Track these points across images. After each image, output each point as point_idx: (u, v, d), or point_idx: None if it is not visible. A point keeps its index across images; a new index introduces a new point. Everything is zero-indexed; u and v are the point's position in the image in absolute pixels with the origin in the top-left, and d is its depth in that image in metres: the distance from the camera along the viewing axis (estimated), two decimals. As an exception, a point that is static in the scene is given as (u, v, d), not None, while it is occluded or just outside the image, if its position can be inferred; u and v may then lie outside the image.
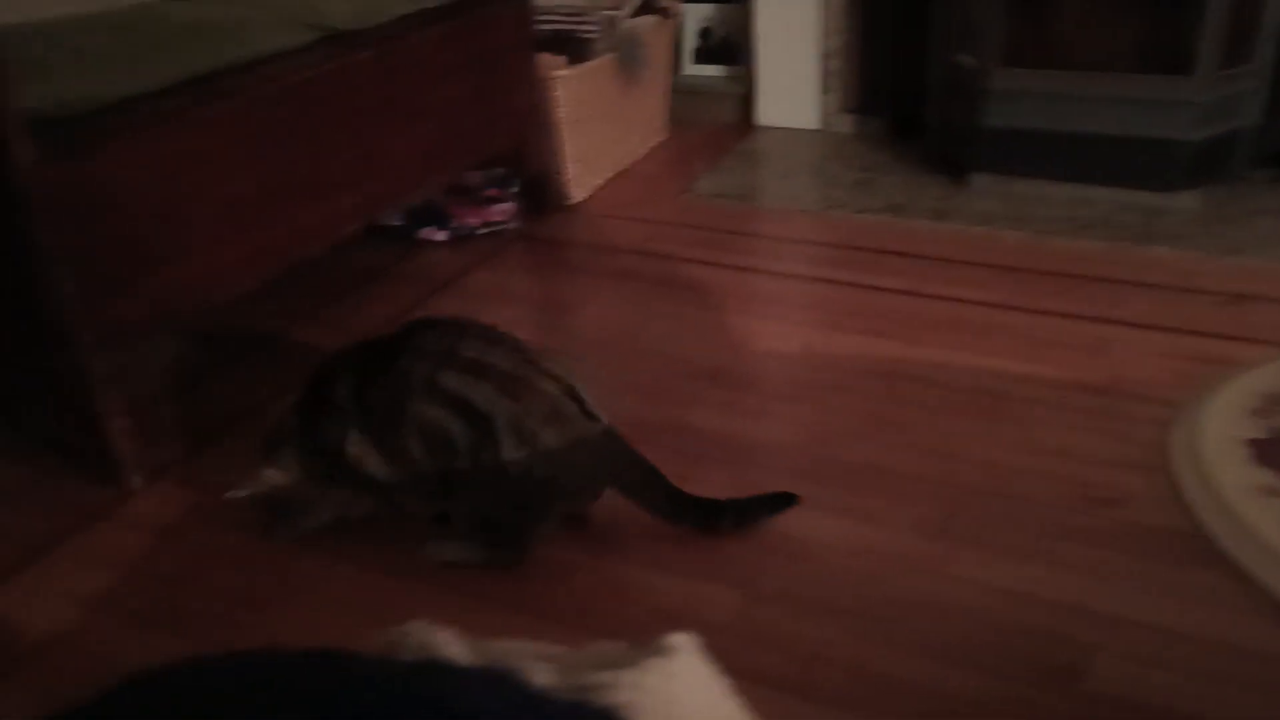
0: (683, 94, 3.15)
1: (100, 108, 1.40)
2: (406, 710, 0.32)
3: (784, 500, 1.41)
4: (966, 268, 2.14)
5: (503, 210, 2.44)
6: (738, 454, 1.57)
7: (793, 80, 3.03)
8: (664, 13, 2.87)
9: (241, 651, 0.35)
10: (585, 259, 2.30)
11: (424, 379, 1.27)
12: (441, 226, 2.40)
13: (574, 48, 2.48)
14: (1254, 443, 1.46)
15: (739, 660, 0.84)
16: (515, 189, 2.48)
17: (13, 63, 1.28)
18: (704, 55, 3.29)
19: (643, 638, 0.46)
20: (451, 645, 0.44)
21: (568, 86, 2.44)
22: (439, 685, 0.33)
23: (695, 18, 3.26)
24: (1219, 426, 1.47)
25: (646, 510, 1.35)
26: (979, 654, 1.19)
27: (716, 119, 3.19)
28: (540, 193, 2.51)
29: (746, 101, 3.14)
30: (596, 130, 2.61)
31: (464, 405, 1.26)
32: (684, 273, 2.19)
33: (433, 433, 1.27)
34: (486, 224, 2.42)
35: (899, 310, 1.98)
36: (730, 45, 3.24)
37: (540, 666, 0.42)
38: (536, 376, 1.30)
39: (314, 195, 1.79)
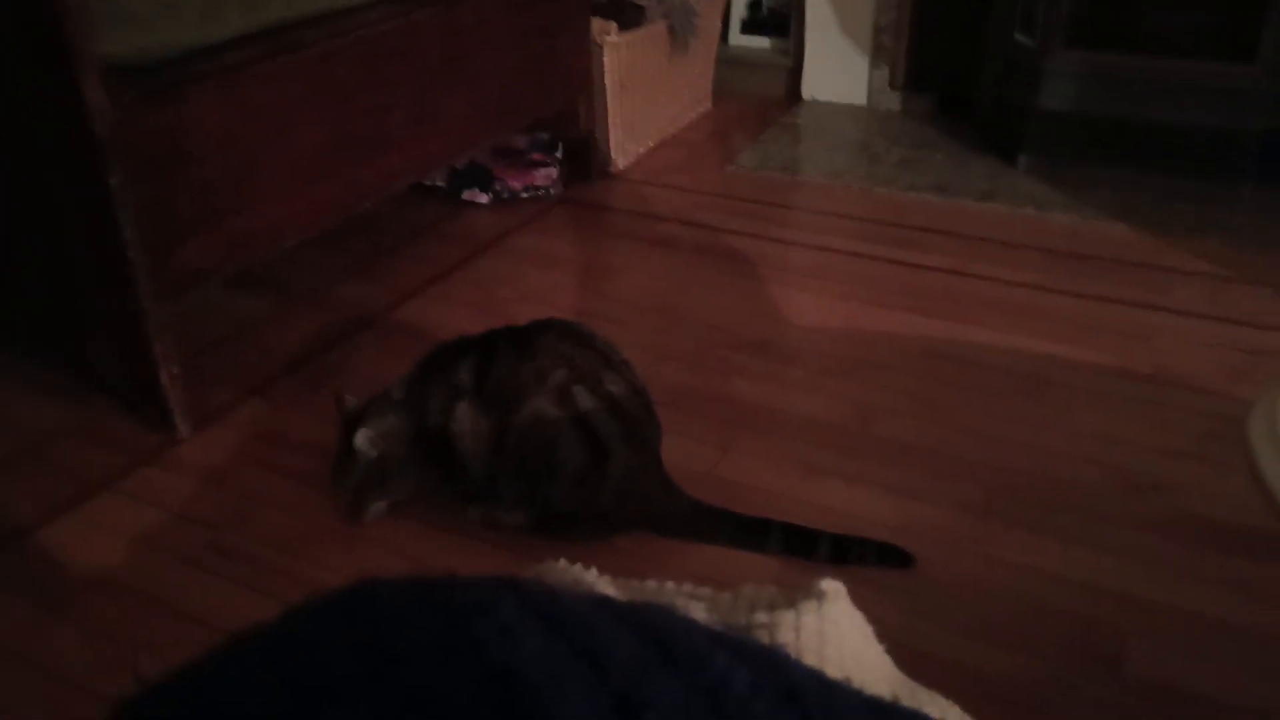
0: (729, 64, 3.13)
1: (175, 56, 1.41)
2: (634, 641, 0.32)
3: (896, 555, 1.30)
4: (1013, 249, 2.12)
5: (546, 174, 2.44)
6: (779, 426, 1.57)
7: (841, 55, 3.00)
8: (715, -19, 2.85)
9: (422, 578, 0.35)
10: (627, 226, 2.30)
11: (557, 384, 1.26)
12: (485, 189, 2.40)
13: (627, 14, 2.47)
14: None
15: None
16: (559, 153, 2.48)
17: (92, 8, 1.28)
18: (752, 26, 3.27)
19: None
20: (602, 582, 0.45)
21: (618, 53, 2.43)
22: (655, 620, 0.34)
23: (745, -13, 3.23)
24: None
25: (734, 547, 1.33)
26: (1021, 636, 1.19)
27: (762, 91, 3.17)
28: (584, 158, 2.51)
29: (793, 74, 3.12)
30: (642, 98, 2.60)
31: (588, 429, 1.26)
32: (726, 243, 2.18)
33: (543, 432, 1.26)
34: (529, 188, 2.42)
35: (943, 289, 1.97)
36: (779, 17, 3.22)
37: (694, 605, 0.42)
38: (652, 429, 1.33)
39: (373, 149, 1.80)
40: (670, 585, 0.49)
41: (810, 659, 0.40)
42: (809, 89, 3.09)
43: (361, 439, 1.32)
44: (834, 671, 0.41)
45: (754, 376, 1.69)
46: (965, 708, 0.48)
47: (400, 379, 1.37)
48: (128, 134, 1.35)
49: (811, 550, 1.30)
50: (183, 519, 1.39)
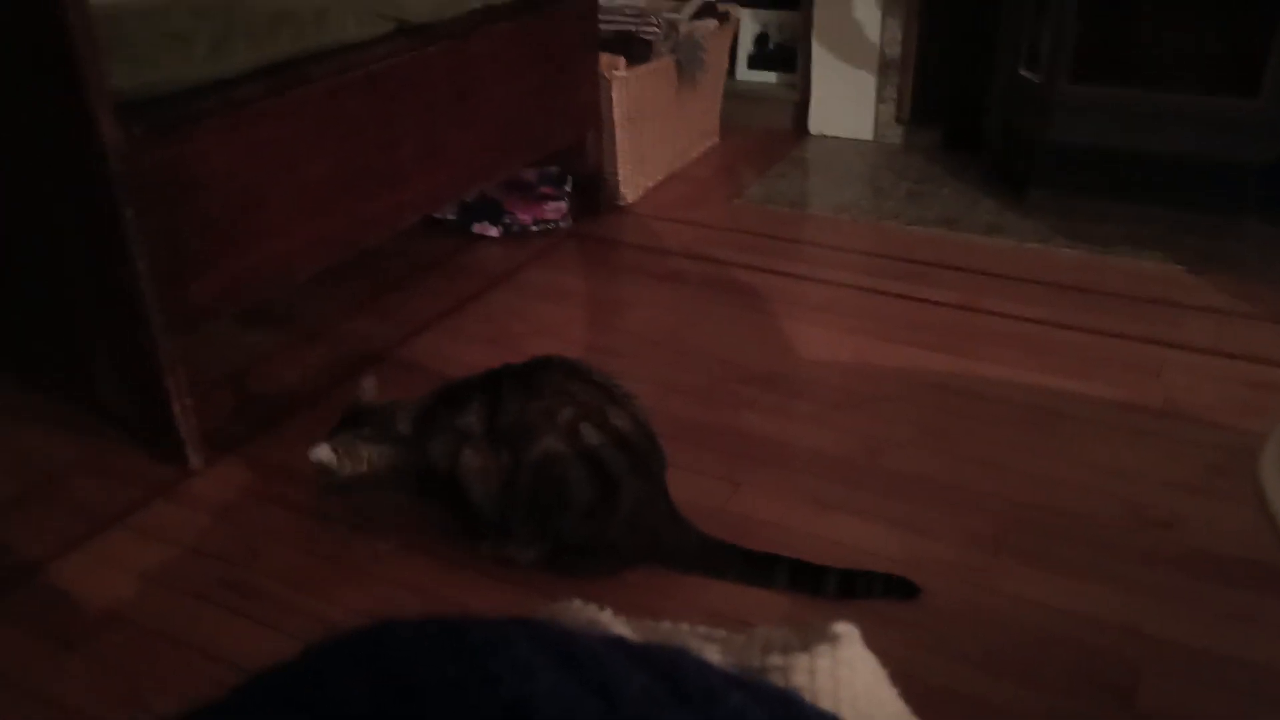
0: (736, 99, 3.16)
1: (185, 91, 1.43)
2: (643, 680, 0.32)
3: (902, 586, 1.30)
4: (1021, 284, 2.13)
5: (556, 208, 2.45)
6: (788, 460, 1.57)
7: (848, 89, 3.02)
8: (723, 17, 2.88)
9: (438, 618, 0.36)
10: (636, 260, 2.31)
11: (566, 422, 1.27)
12: (495, 222, 2.42)
13: (634, 49, 2.49)
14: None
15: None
16: (569, 187, 2.50)
17: (103, 44, 1.30)
18: (759, 61, 3.30)
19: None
20: (617, 623, 0.46)
21: (626, 87, 2.45)
22: (669, 659, 0.34)
23: (752, 23, 3.26)
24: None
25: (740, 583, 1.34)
26: (1030, 669, 1.19)
27: (769, 125, 3.20)
28: (593, 192, 2.53)
29: (800, 109, 3.14)
30: (651, 132, 2.62)
31: (597, 464, 1.27)
32: (734, 277, 2.19)
33: (553, 470, 1.27)
34: (539, 221, 2.44)
35: (952, 324, 1.97)
36: (785, 52, 3.24)
37: (708, 647, 0.43)
38: (657, 460, 1.33)
39: (381, 184, 1.82)
40: (684, 627, 0.49)
41: (825, 702, 0.41)
42: (816, 123, 3.11)
43: (323, 452, 1.33)
44: (848, 715, 0.41)
45: (763, 410, 1.70)
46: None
47: (408, 410, 1.38)
48: (139, 168, 1.37)
49: (819, 586, 1.29)
50: (194, 554, 1.40)
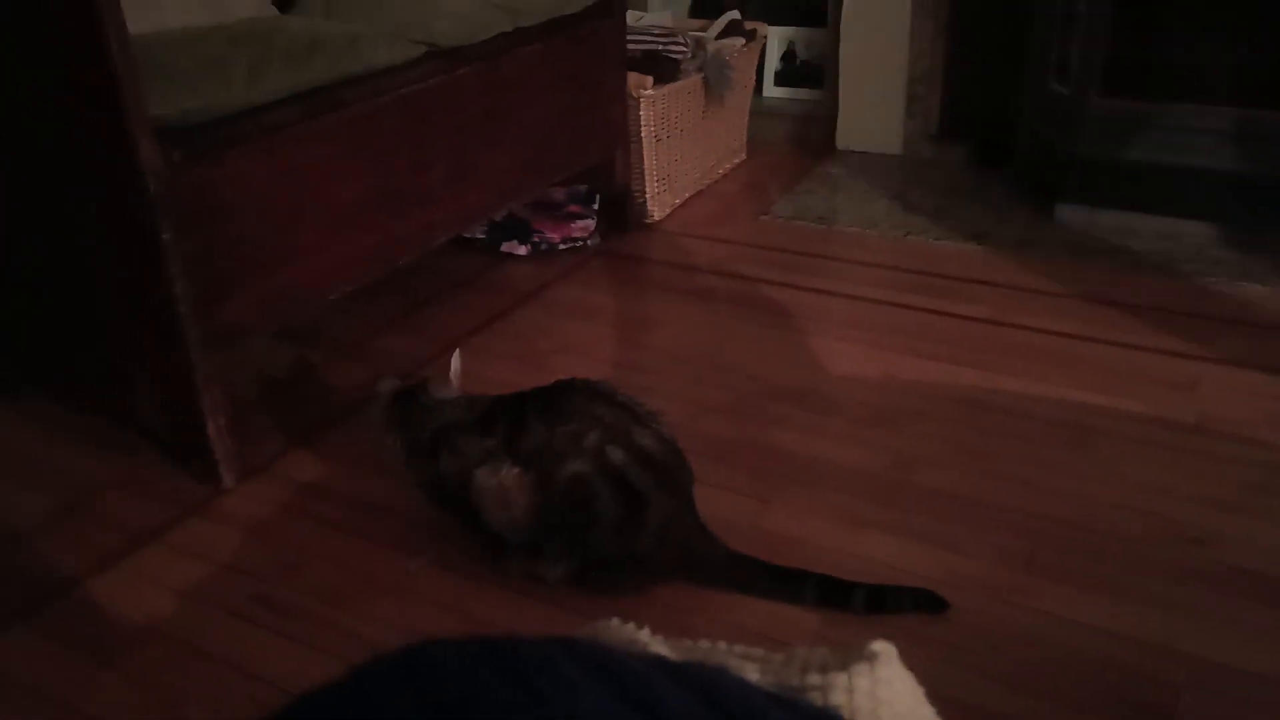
0: (763, 116, 3.17)
1: (222, 117, 1.46)
2: (684, 698, 0.33)
3: (931, 601, 1.30)
4: (1052, 298, 2.12)
5: (584, 226, 2.47)
6: (819, 477, 1.57)
7: (875, 104, 3.02)
8: (750, 35, 2.89)
9: (481, 637, 0.37)
10: (664, 277, 2.31)
11: (592, 446, 1.28)
12: (523, 241, 2.43)
13: (662, 68, 2.50)
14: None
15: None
16: (597, 206, 2.51)
17: (144, 71, 1.33)
18: (786, 77, 3.31)
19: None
20: (656, 642, 0.46)
21: (653, 106, 2.47)
22: (710, 678, 0.35)
23: (779, 40, 3.27)
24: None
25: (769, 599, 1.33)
26: (1062, 688, 1.17)
27: (797, 141, 3.20)
28: (621, 210, 2.54)
29: (827, 125, 3.15)
30: (678, 150, 2.63)
31: (625, 484, 1.27)
32: (763, 294, 2.19)
33: (582, 492, 1.28)
34: (567, 239, 2.45)
35: (982, 339, 1.96)
36: (813, 68, 3.25)
37: (747, 666, 0.43)
38: (684, 474, 1.33)
39: (412, 205, 1.84)
40: (722, 645, 0.50)
41: None
42: (843, 139, 3.11)
43: (386, 386, 1.45)
44: (885, 733, 0.41)
45: (793, 427, 1.69)
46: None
47: (434, 415, 1.39)
48: (177, 191, 1.39)
49: (847, 601, 1.29)
50: (229, 570, 1.41)
